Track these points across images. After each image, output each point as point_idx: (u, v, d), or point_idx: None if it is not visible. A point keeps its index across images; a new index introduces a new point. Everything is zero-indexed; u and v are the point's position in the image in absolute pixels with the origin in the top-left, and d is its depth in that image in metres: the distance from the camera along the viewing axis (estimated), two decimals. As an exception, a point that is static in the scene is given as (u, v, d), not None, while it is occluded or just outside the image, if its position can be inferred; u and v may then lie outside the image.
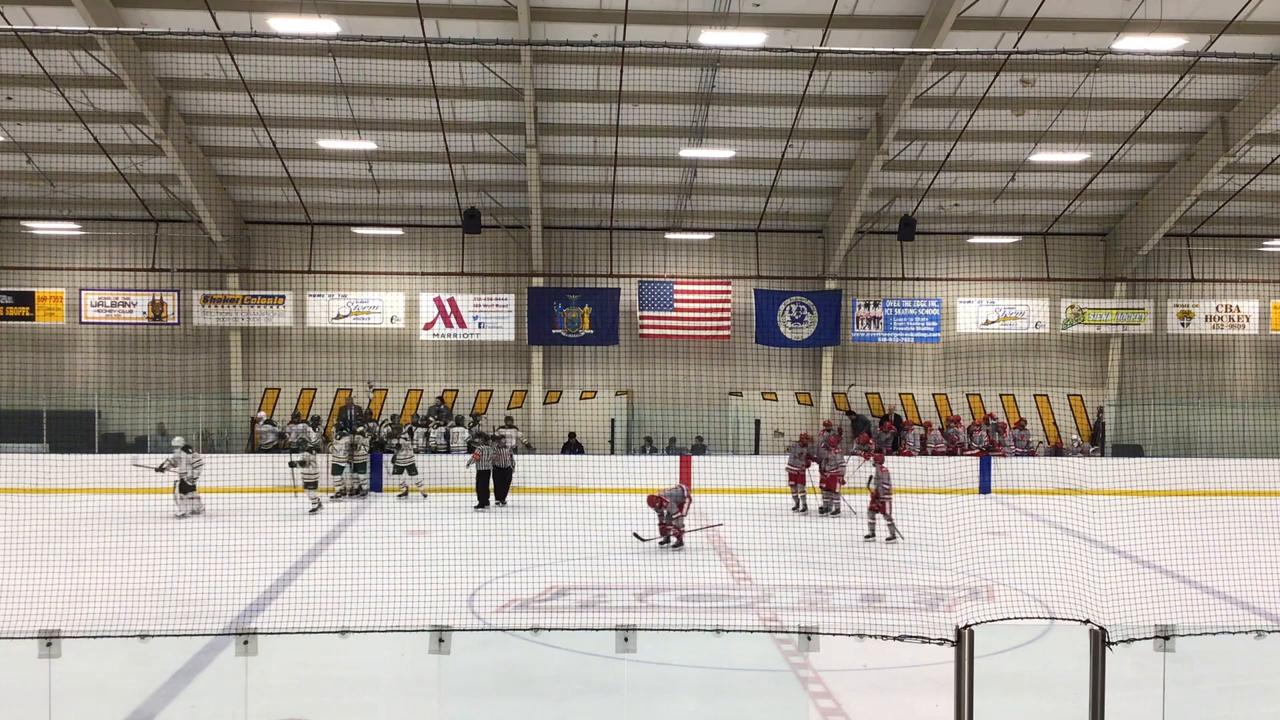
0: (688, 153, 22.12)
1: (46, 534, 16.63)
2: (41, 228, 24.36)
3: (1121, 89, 19.51)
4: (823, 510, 19.16)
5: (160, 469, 18.59)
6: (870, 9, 18.01)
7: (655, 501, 16.04)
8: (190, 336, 24.61)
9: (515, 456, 20.79)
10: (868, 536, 16.75)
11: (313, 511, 19.03)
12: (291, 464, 20.97)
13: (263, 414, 23.79)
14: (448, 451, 22.81)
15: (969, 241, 25.33)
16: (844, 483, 19.21)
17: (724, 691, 9.64)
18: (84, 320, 24.15)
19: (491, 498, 19.92)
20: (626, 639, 7.07)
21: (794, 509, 19.70)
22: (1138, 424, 25.49)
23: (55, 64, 18.56)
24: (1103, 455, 24.63)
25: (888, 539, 16.69)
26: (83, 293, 24.08)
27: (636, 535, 15.87)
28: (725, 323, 24.66)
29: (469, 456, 20.42)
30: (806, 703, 9.33)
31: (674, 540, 16.05)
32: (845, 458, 19.82)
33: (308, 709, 9.03)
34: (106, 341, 24.60)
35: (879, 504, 16.81)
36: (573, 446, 24.14)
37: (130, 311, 24.13)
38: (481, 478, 19.87)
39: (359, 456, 21.30)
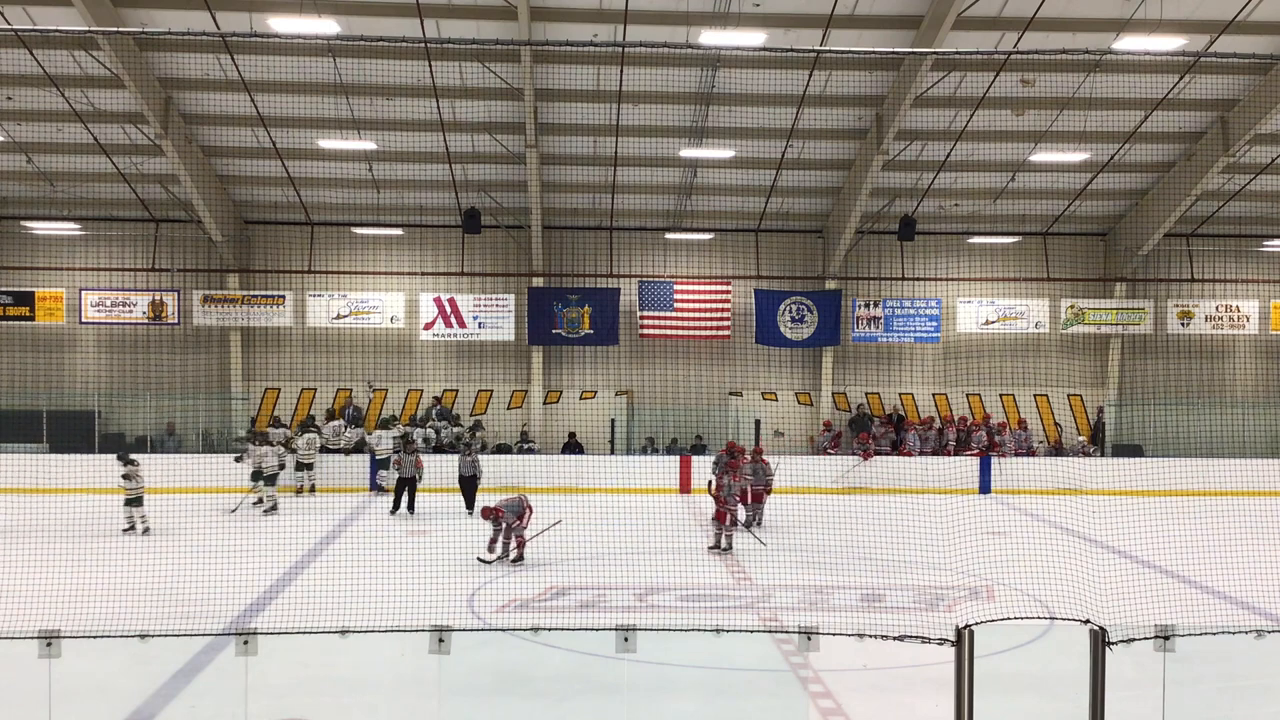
0: (688, 153, 22.12)
1: (46, 534, 16.64)
2: (41, 228, 24.36)
3: (1121, 89, 19.50)
4: (746, 525, 17.74)
5: None
6: (870, 9, 18.01)
7: (490, 513, 15.12)
8: (190, 336, 24.60)
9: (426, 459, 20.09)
10: (712, 548, 16.21)
11: (126, 531, 17.27)
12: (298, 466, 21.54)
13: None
14: (454, 451, 22.88)
15: (969, 241, 25.33)
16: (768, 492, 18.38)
17: (724, 691, 9.64)
18: (84, 320, 24.15)
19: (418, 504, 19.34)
20: (626, 639, 7.07)
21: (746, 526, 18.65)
22: (1138, 424, 25.48)
23: (55, 64, 18.55)
24: (1103, 455, 24.64)
25: (711, 546, 16.18)
26: (83, 293, 24.07)
27: (481, 559, 14.88)
28: (725, 323, 24.66)
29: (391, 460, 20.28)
30: (806, 703, 9.34)
31: (514, 555, 15.00)
32: (774, 468, 18.66)
33: (308, 709, 9.04)
34: (106, 341, 24.60)
35: (720, 512, 16.22)
36: (573, 447, 24.14)
37: (130, 311, 24.12)
38: (403, 483, 19.34)
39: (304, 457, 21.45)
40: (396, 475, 19.50)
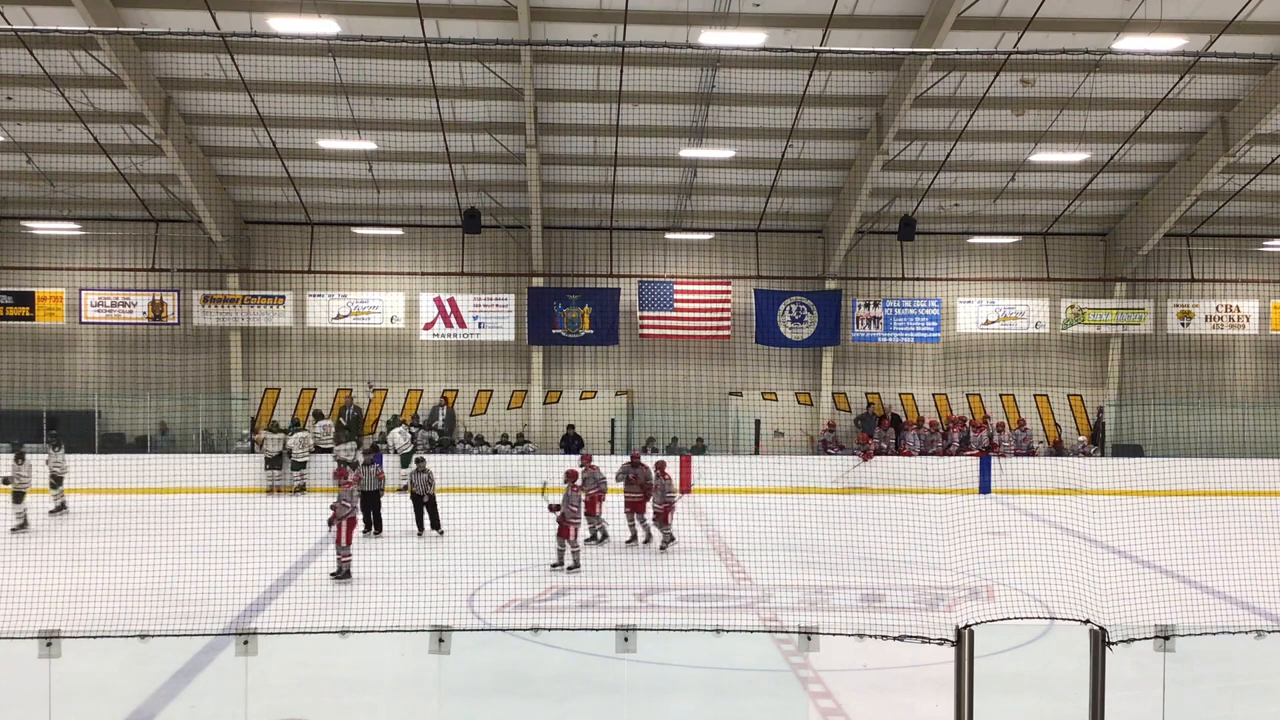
0: (688, 153, 22.11)
1: (47, 534, 16.66)
2: (41, 228, 24.35)
3: (1121, 89, 19.50)
4: (662, 546, 16.35)
5: None
6: (870, 9, 18.00)
7: (341, 475, 14.38)
8: (190, 336, 24.59)
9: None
10: (555, 565, 14.88)
11: (15, 529, 17.11)
12: (294, 466, 21.73)
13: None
14: (450, 450, 22.95)
15: (969, 241, 25.32)
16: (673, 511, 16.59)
17: (724, 691, 9.65)
18: (84, 320, 24.14)
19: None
20: (626, 639, 7.08)
21: (628, 540, 16.68)
22: (1138, 424, 25.47)
23: (55, 64, 18.54)
24: (1103, 455, 24.63)
25: (553, 564, 14.87)
26: (83, 293, 24.07)
27: (333, 574, 14.24)
28: (725, 323, 24.65)
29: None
30: (806, 703, 9.34)
31: (342, 569, 14.16)
32: (676, 488, 16.96)
33: (308, 709, 9.04)
34: (106, 341, 24.59)
35: (564, 527, 14.88)
36: (571, 439, 24.11)
37: (130, 311, 24.12)
38: (366, 499, 16.98)
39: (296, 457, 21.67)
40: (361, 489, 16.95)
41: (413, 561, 14.93)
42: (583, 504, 15.44)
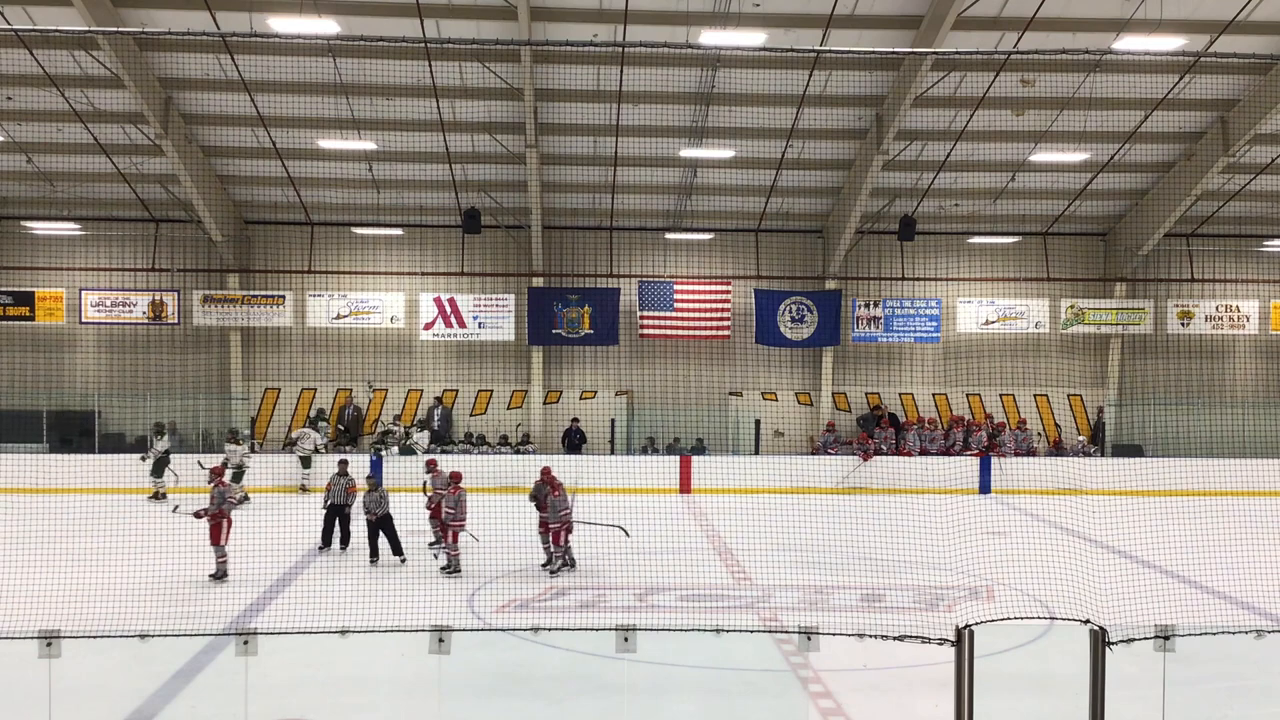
0: (688, 153, 22.11)
1: (46, 534, 16.65)
2: (41, 228, 24.36)
3: (1121, 89, 19.51)
4: (550, 567, 14.68)
5: None
6: (870, 9, 18.01)
7: (216, 473, 14.17)
8: (190, 336, 24.59)
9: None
10: (444, 568, 14.53)
11: None
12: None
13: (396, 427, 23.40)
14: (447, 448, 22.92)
15: (969, 241, 25.32)
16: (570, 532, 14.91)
17: (724, 691, 9.65)
18: (84, 320, 24.14)
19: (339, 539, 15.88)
20: (626, 639, 7.09)
21: (544, 565, 14.75)
22: (1138, 424, 25.48)
23: (55, 64, 18.55)
24: (1103, 455, 24.64)
25: (443, 567, 14.56)
26: (83, 293, 24.07)
27: (213, 576, 13.85)
28: (725, 323, 24.65)
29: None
30: (806, 703, 9.34)
31: (217, 570, 13.80)
32: (571, 501, 15.10)
33: (308, 709, 9.04)
34: (106, 341, 24.59)
35: (444, 529, 14.71)
36: (573, 433, 24.06)
37: (130, 311, 24.12)
38: (333, 512, 15.95)
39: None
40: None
41: (411, 562, 14.95)
42: (441, 505, 14.74)
